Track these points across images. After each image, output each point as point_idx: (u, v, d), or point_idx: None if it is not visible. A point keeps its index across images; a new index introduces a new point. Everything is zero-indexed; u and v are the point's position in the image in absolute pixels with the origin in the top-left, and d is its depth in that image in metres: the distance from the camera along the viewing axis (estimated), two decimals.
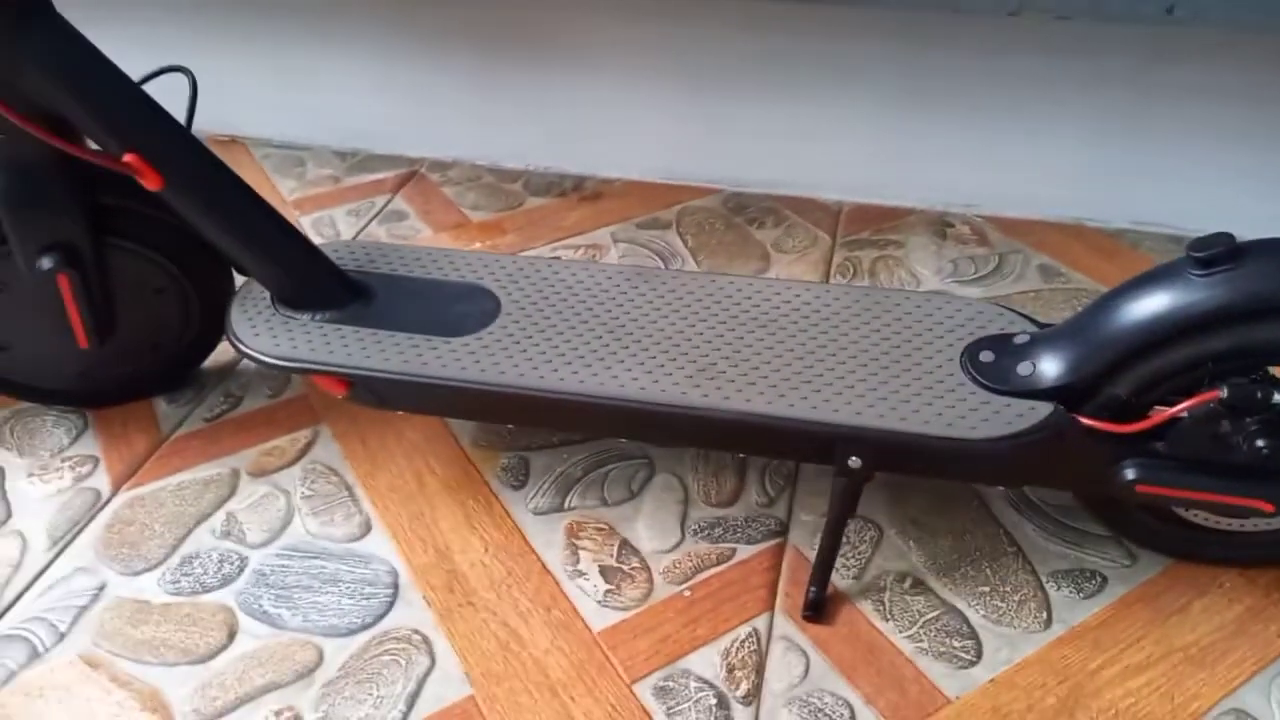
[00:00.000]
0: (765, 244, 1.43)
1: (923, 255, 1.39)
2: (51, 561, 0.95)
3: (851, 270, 1.36)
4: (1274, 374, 0.78)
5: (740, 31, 1.42)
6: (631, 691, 0.83)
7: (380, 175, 1.61)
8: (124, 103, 0.86)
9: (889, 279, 1.34)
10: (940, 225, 1.46)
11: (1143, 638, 0.86)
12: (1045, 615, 0.88)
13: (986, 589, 0.91)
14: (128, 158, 0.86)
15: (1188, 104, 1.33)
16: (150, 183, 0.88)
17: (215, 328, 1.11)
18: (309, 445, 1.08)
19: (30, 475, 1.04)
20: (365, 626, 0.88)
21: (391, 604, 0.90)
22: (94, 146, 0.88)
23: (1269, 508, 0.79)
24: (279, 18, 1.56)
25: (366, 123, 1.66)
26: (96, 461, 1.06)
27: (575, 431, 1.06)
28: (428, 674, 0.84)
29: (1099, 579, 0.91)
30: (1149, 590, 0.90)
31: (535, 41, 1.51)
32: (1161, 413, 0.78)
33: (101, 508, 1.00)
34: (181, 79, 1.01)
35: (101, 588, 0.92)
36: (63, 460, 1.06)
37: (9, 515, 1.00)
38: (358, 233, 1.45)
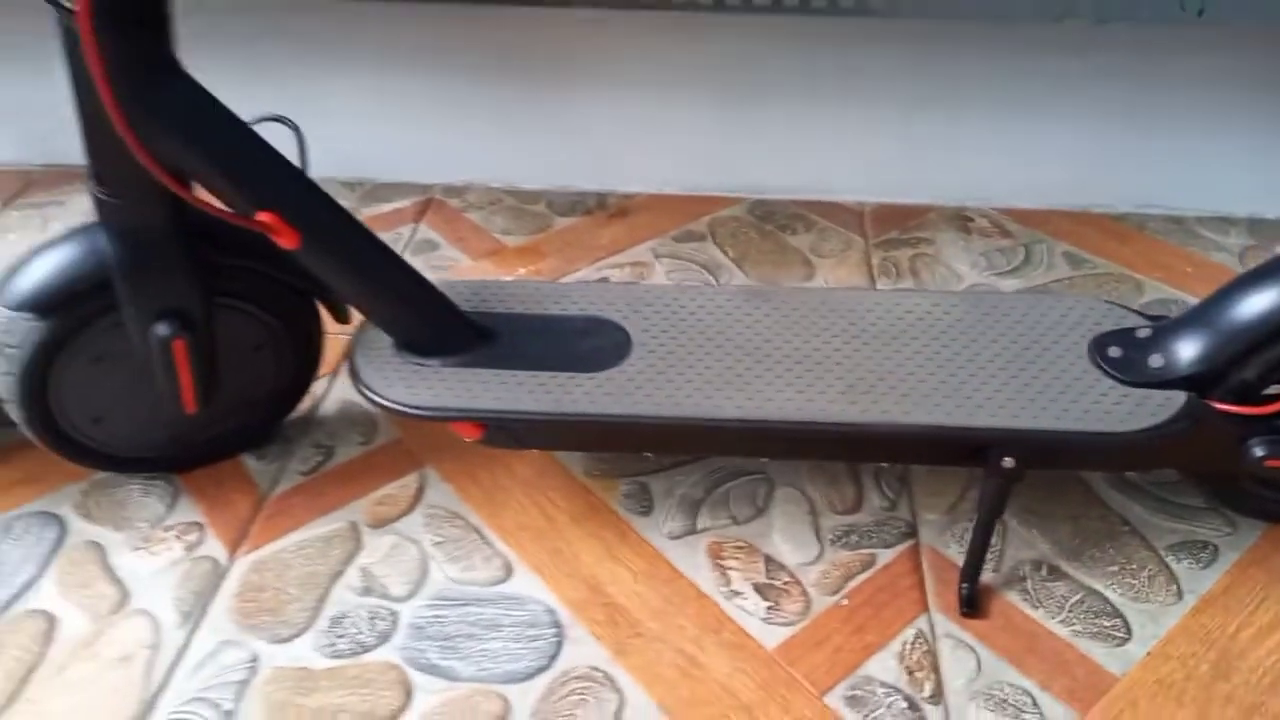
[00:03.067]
0: (803, 249, 1.47)
1: (954, 251, 1.46)
2: (190, 638, 0.91)
3: (894, 270, 1.42)
4: None
5: (752, 43, 1.45)
6: (824, 704, 0.85)
7: (397, 204, 1.58)
8: (258, 161, 0.83)
9: (930, 276, 1.40)
10: (960, 220, 1.53)
11: (1266, 598, 0.94)
12: (1175, 588, 0.95)
13: (1115, 568, 0.97)
14: (263, 216, 0.83)
15: (1182, 93, 1.44)
16: (287, 241, 0.85)
17: (305, 380, 1.07)
18: (421, 490, 1.06)
19: (135, 549, 0.99)
20: (542, 669, 0.88)
21: (560, 644, 0.91)
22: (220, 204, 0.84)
23: None
24: (271, 46, 1.50)
25: (370, 151, 1.62)
26: (202, 528, 1.02)
27: (729, 455, 1.07)
28: (620, 709, 0.85)
29: (1212, 548, 0.99)
30: (1258, 554, 0.98)
31: (541, 59, 1.51)
32: None
33: (224, 576, 0.97)
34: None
35: (255, 659, 0.89)
36: (165, 530, 1.01)
37: (126, 595, 0.95)
38: None
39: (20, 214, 1.56)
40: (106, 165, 0.83)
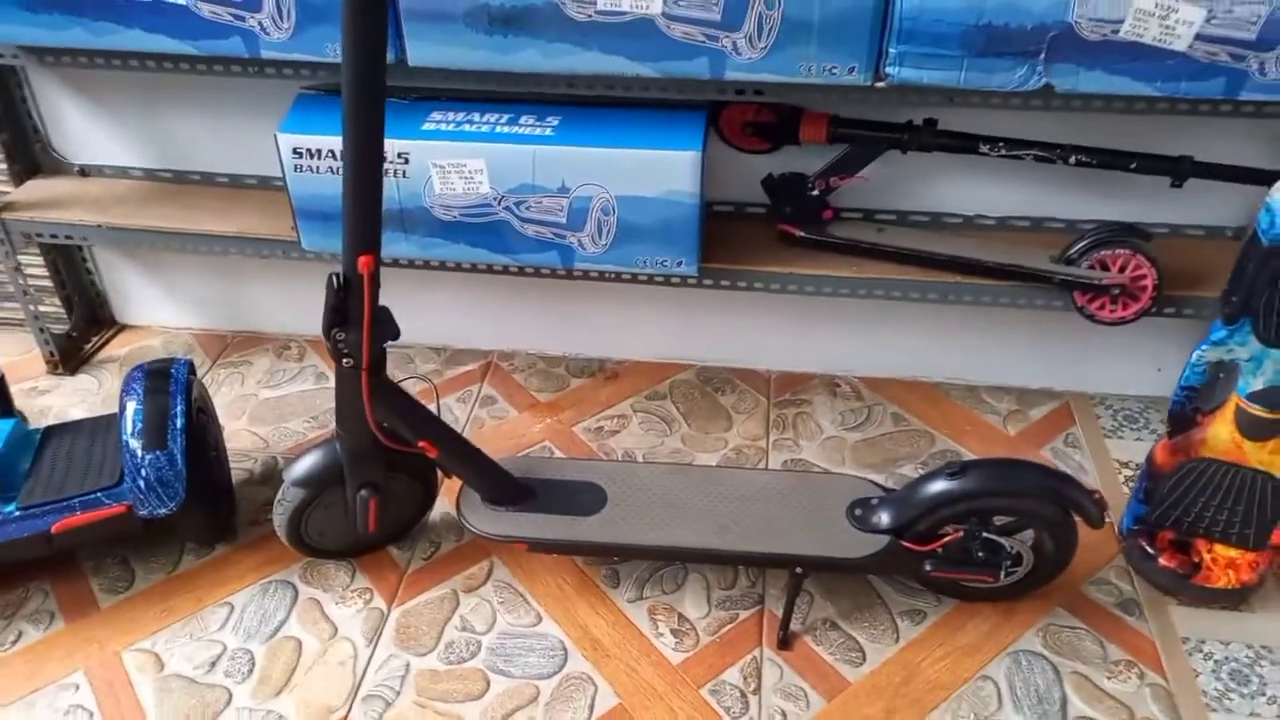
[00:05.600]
0: (727, 407, 2.29)
1: (823, 409, 2.28)
2: (372, 654, 1.75)
3: (783, 423, 2.24)
4: (988, 522, 1.67)
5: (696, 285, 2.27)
6: (699, 693, 1.68)
7: (468, 367, 2.42)
8: (421, 418, 1.67)
9: (804, 429, 2.22)
10: (831, 386, 2.35)
11: (942, 644, 1.75)
12: (895, 635, 1.76)
13: (866, 624, 1.78)
14: (422, 444, 1.67)
15: (973, 308, 2.24)
16: (431, 453, 1.69)
17: (426, 508, 1.92)
18: (490, 572, 1.89)
19: (336, 603, 1.83)
20: (555, 673, 1.71)
21: (565, 660, 1.73)
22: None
23: (991, 580, 1.69)
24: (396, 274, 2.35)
25: (450, 326, 2.45)
26: (371, 591, 1.85)
27: (660, 559, 1.89)
28: (595, 695, 1.68)
29: (921, 613, 1.80)
30: (939, 620, 1.79)
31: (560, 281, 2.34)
32: (939, 539, 1.67)
33: (386, 619, 1.81)
34: None
35: (408, 666, 1.73)
36: (351, 591, 1.85)
37: (336, 629, 1.79)
38: (467, 417, 2.25)
39: (226, 371, 2.41)
40: (345, 419, 1.66)
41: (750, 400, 2.31)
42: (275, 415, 2.27)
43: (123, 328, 2.56)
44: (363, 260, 1.45)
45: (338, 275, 1.48)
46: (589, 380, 2.38)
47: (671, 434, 2.22)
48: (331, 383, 2.33)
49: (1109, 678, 1.69)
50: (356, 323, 1.51)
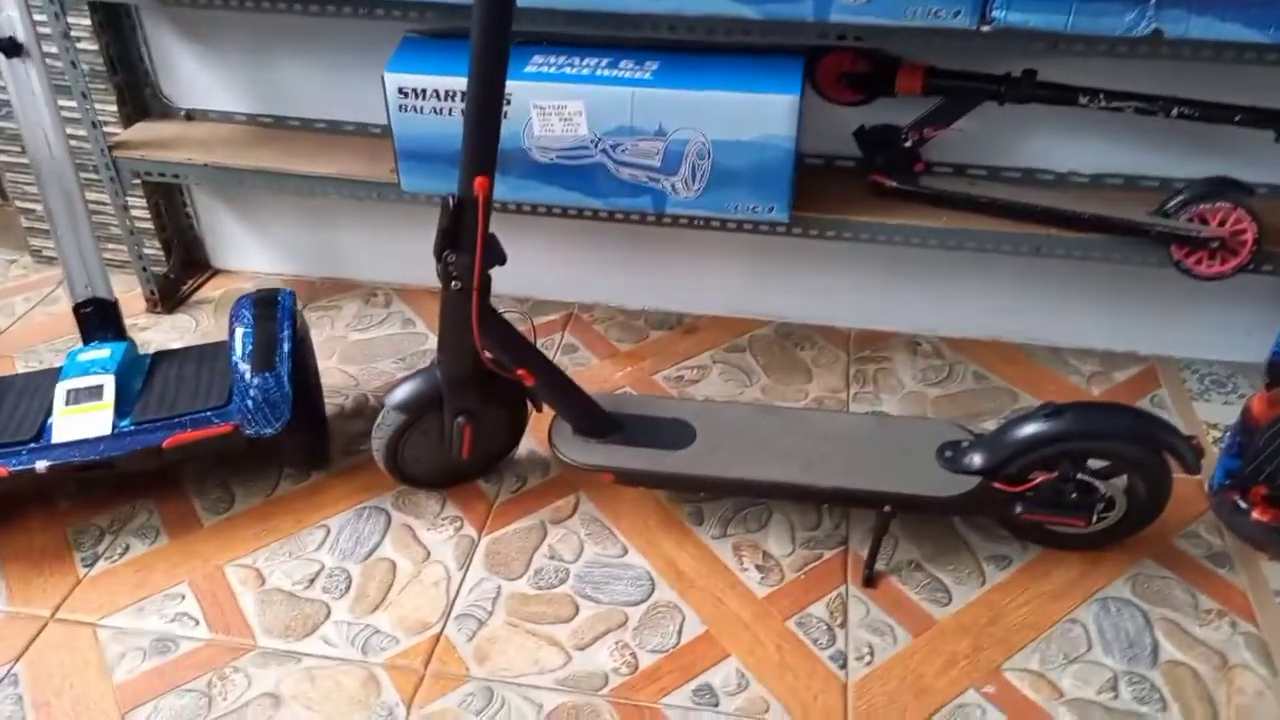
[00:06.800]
0: (806, 361, 2.31)
1: (903, 366, 2.28)
2: (464, 577, 1.79)
3: (863, 379, 2.25)
4: (1081, 465, 1.67)
5: (780, 234, 2.29)
6: (784, 625, 1.70)
7: (550, 317, 2.46)
8: (520, 347, 1.71)
9: (885, 384, 2.23)
10: (912, 345, 2.35)
11: (1027, 588, 1.75)
12: (981, 579, 1.77)
13: (951, 567, 1.79)
14: (520, 371, 1.72)
15: (1060, 270, 2.23)
16: (528, 381, 1.73)
17: (515, 441, 1.96)
18: (577, 505, 1.93)
19: (428, 529, 1.88)
20: (644, 600, 1.74)
21: (653, 589, 1.76)
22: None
23: (1082, 523, 1.69)
24: None
25: (533, 277, 2.50)
26: (461, 520, 1.90)
27: (745, 495, 1.91)
28: (683, 621, 1.71)
29: (1007, 559, 1.80)
30: (1034, 564, 1.79)
31: (647, 232, 2.36)
32: (1031, 481, 1.67)
33: (478, 545, 1.85)
34: None
35: (499, 589, 1.77)
36: (442, 519, 1.90)
37: (428, 553, 1.84)
38: None
39: (315, 314, 2.48)
40: (448, 345, 1.71)
41: (829, 355, 2.32)
42: (364, 356, 2.33)
43: (217, 272, 2.65)
44: (479, 181, 1.49)
45: (452, 197, 1.53)
46: (668, 333, 2.41)
47: (751, 384, 2.24)
48: (418, 327, 2.40)
49: (1200, 625, 1.68)
50: (469, 245, 1.55)
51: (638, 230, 2.33)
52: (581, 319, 2.46)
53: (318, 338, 2.39)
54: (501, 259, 1.61)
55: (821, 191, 2.07)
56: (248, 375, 1.79)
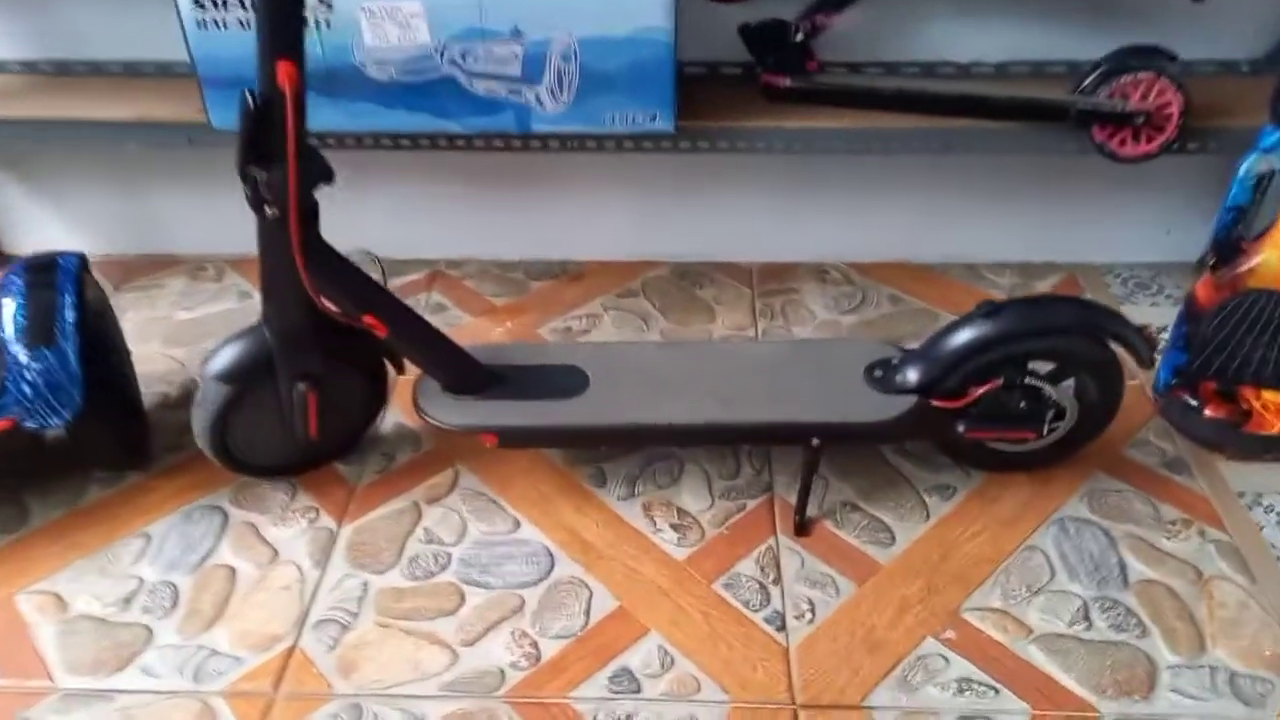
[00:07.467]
0: (707, 300, 2.06)
1: (813, 296, 2.06)
2: (323, 575, 1.48)
3: (770, 313, 2.02)
4: (1027, 368, 1.47)
5: (666, 156, 2.03)
6: (710, 589, 1.44)
7: (413, 276, 2.15)
8: (364, 286, 1.41)
9: (795, 316, 2.00)
10: (819, 273, 2.14)
11: (979, 516, 1.54)
12: (925, 513, 1.55)
13: (891, 504, 1.57)
14: (367, 319, 1.41)
15: (970, 175, 2.05)
16: (380, 331, 1.42)
17: (375, 413, 1.65)
18: (456, 479, 1.64)
19: (275, 525, 1.56)
20: (542, 579, 1.46)
21: (553, 565, 1.48)
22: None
23: (1033, 435, 1.49)
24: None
25: (388, 234, 2.17)
26: (317, 510, 1.58)
27: (651, 444, 1.65)
28: (591, 598, 1.43)
29: (951, 489, 1.59)
30: (981, 491, 1.59)
31: (514, 169, 2.08)
32: (974, 393, 1.46)
33: (337, 538, 1.54)
34: None
35: (366, 585, 1.46)
36: (292, 512, 1.58)
37: (276, 553, 1.51)
38: None
39: (132, 295, 2.11)
40: (273, 293, 1.39)
41: (732, 292, 2.09)
42: (193, 336, 1.98)
43: (6, 258, 2.23)
44: (283, 69, 1.18)
45: (252, 94, 1.21)
46: (551, 282, 2.13)
47: (649, 329, 1.98)
48: (258, 300, 2.05)
49: (1168, 538, 1.50)
50: (279, 155, 1.24)
51: (504, 165, 2.05)
52: (449, 275, 2.16)
53: (135, 320, 2.02)
54: (326, 174, 1.30)
55: (708, 100, 1.82)
56: (22, 356, 1.44)
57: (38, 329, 1.45)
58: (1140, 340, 1.44)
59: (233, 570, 1.49)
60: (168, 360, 1.91)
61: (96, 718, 1.29)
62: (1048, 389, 1.46)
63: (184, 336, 1.98)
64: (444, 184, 2.09)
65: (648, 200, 2.11)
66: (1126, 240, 2.10)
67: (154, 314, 2.05)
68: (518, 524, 1.55)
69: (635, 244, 2.17)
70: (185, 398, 1.81)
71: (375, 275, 1.46)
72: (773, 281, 2.12)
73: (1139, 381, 1.75)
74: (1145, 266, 2.11)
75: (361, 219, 2.10)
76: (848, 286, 2.09)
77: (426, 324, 1.49)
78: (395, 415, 1.74)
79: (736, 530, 1.54)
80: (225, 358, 1.45)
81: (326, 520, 1.56)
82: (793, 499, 1.56)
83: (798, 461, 1.61)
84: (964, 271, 2.13)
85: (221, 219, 2.12)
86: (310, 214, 1.32)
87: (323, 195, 1.34)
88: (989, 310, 1.44)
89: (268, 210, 1.28)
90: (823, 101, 1.78)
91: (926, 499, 1.58)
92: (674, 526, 1.54)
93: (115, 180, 2.12)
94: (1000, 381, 1.44)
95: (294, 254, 1.30)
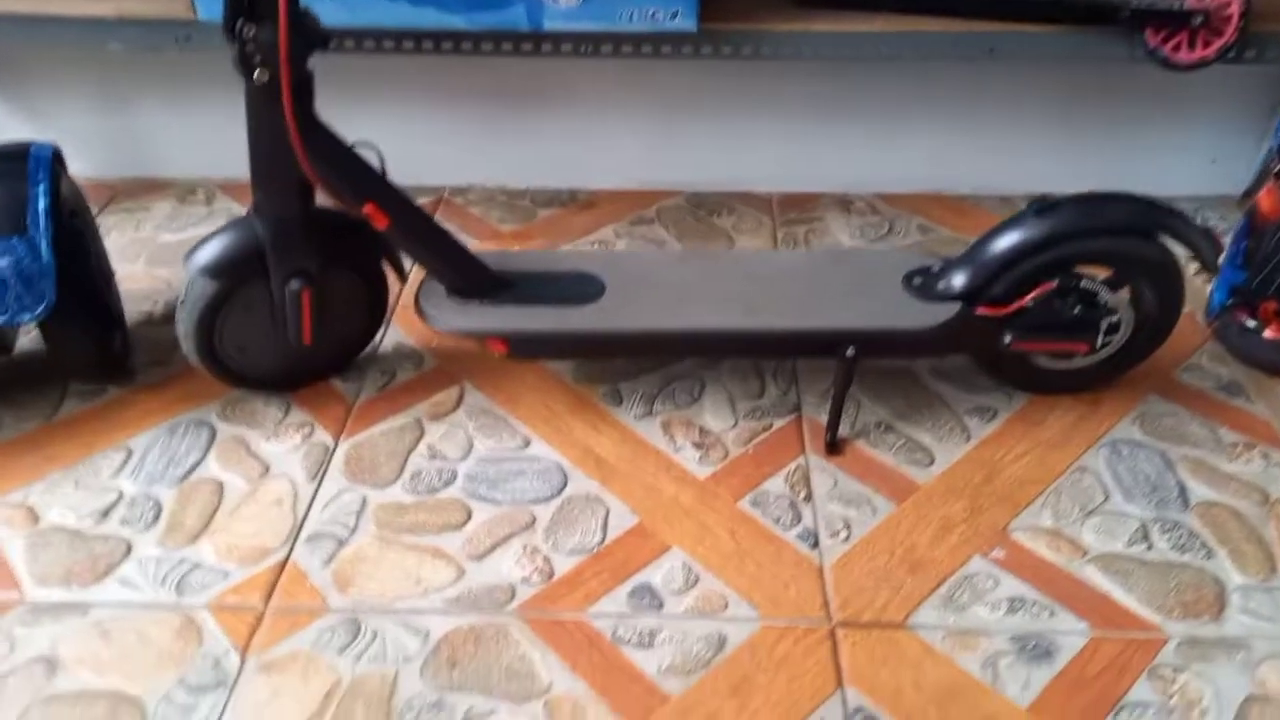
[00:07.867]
0: (726, 229, 1.95)
1: (838, 225, 1.95)
2: (318, 489, 1.37)
3: (793, 242, 1.91)
4: (1081, 272, 1.36)
5: (684, 74, 1.93)
6: (736, 507, 1.33)
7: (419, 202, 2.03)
8: (363, 173, 1.29)
9: (820, 244, 1.90)
10: (843, 203, 2.03)
11: (1023, 438, 1.44)
12: (966, 434, 1.45)
13: (928, 424, 1.47)
14: (367, 208, 1.29)
15: (1001, 104, 1.94)
16: (380, 223, 1.31)
17: (376, 324, 1.54)
18: (462, 396, 1.52)
19: (267, 440, 1.44)
20: (555, 495, 1.35)
21: (566, 481, 1.37)
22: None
23: (1085, 349, 1.38)
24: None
25: (394, 160, 2.06)
26: (312, 425, 1.47)
27: (672, 355, 1.54)
28: (608, 515, 1.32)
29: (992, 411, 1.49)
30: (1024, 414, 1.48)
31: (522, 88, 1.97)
32: (1022, 299, 1.35)
33: (334, 452, 1.42)
34: None
35: (365, 499, 1.35)
36: (286, 427, 1.46)
37: (268, 467, 1.40)
38: None
39: (115, 218, 1.99)
40: (264, 176, 1.28)
41: (752, 220, 1.98)
42: (179, 256, 1.83)
43: None
44: None
45: None
46: (560, 210, 2.02)
47: (664, 249, 1.87)
48: None
49: (1229, 460, 1.40)
50: (270, 10, 1.12)
51: (511, 79, 1.94)
52: (454, 203, 2.04)
53: (119, 240, 1.90)
54: (322, 39, 1.19)
55: (733, 3, 1.71)
56: None
57: (6, 217, 1.34)
58: (1206, 242, 1.33)
59: (220, 484, 1.37)
60: (152, 280, 1.80)
61: (68, 630, 1.17)
62: (1104, 293, 1.35)
63: (169, 257, 1.86)
64: (448, 104, 1.98)
65: (663, 122, 1.99)
66: (1169, 171, 1.99)
67: (138, 235, 1.93)
68: (528, 441, 1.44)
69: (649, 171, 2.06)
70: (170, 315, 1.68)
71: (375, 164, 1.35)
72: (794, 210, 2.01)
73: (1189, 308, 1.64)
74: (1188, 199, 2.00)
75: (364, 136, 2.01)
76: (874, 216, 1.98)
77: (430, 218, 1.38)
78: (396, 335, 1.63)
79: (763, 449, 1.43)
80: (212, 250, 1.34)
81: (322, 435, 1.45)
82: (822, 419, 1.45)
83: (826, 382, 1.51)
84: (998, 204, 2.02)
85: (213, 139, 2.01)
86: (304, 86, 1.21)
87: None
88: (1041, 208, 1.33)
89: (257, 74, 1.17)
90: (854, 6, 1.67)
91: (966, 421, 1.47)
92: (695, 445, 1.43)
93: (99, 94, 2.01)
94: (1053, 285, 1.33)
95: (287, 125, 1.18)
